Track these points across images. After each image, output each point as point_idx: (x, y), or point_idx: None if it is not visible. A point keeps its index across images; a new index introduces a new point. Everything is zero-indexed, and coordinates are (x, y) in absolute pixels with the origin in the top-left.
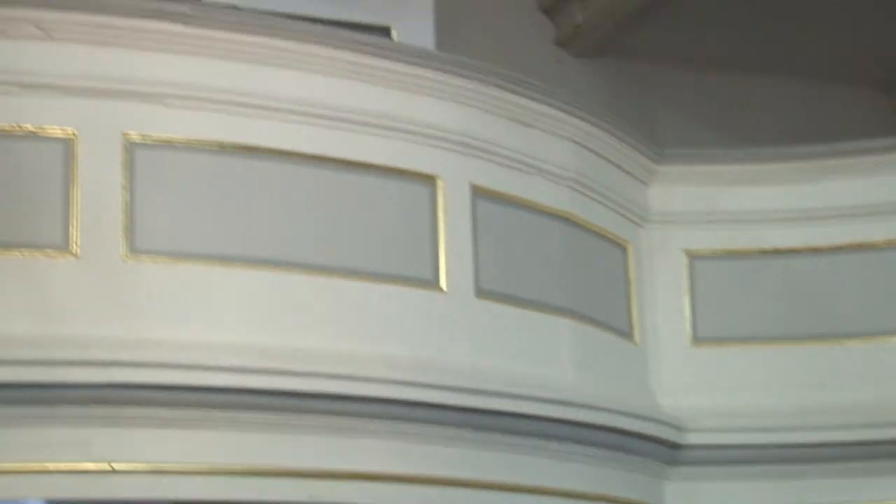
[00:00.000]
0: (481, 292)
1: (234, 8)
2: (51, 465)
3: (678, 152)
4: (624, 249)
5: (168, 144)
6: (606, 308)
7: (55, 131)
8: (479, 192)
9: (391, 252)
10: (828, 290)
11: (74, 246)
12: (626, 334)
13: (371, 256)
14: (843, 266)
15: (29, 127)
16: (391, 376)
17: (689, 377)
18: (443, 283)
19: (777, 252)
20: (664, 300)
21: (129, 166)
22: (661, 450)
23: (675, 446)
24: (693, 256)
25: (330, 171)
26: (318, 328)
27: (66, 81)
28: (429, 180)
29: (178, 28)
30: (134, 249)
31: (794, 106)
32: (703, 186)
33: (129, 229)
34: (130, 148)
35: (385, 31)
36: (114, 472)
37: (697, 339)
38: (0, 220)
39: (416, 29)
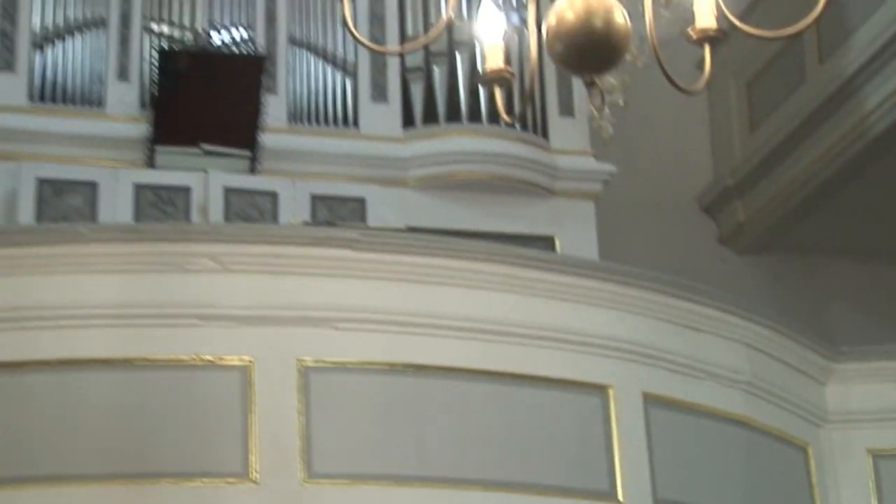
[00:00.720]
0: (660, 502)
1: (401, 230)
2: None
3: (854, 349)
4: (804, 451)
5: (341, 367)
6: None
7: (233, 360)
8: (651, 400)
9: (567, 464)
10: None
11: (254, 472)
12: None
13: (547, 470)
14: None
15: (208, 357)
16: None
17: None
18: (620, 494)
19: None
20: (850, 497)
21: (305, 390)
22: None
23: None
24: (878, 456)
25: (500, 385)
26: None
27: (242, 311)
28: (601, 390)
29: (346, 253)
30: (312, 474)
31: None
32: (883, 383)
33: (307, 453)
34: (305, 372)
35: (548, 241)
36: None
37: None
38: (181, 450)
39: (580, 237)
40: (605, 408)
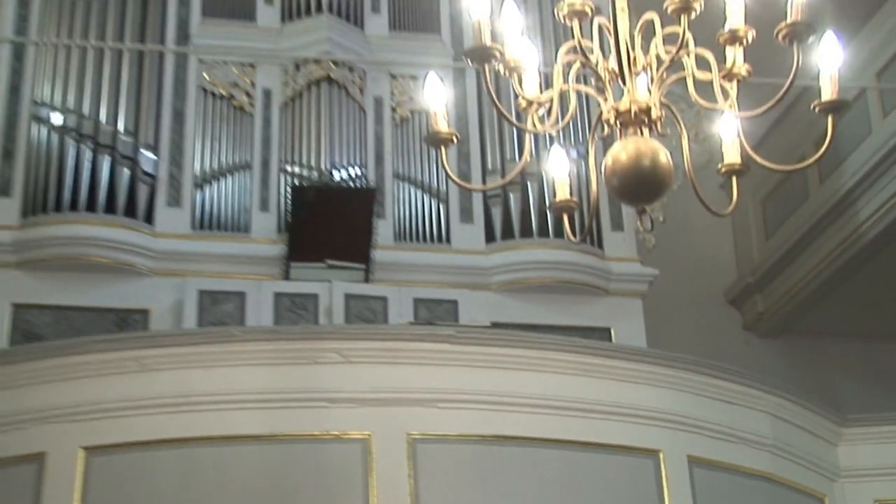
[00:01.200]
0: None
1: (486, 326)
2: None
3: (859, 416)
4: (822, 502)
5: (442, 439)
6: None
7: (355, 434)
8: (694, 461)
9: None
10: None
11: None
12: None
13: None
14: None
15: (335, 432)
16: None
17: None
18: None
19: None
20: None
21: (413, 458)
22: None
23: None
24: None
25: (570, 451)
26: None
27: (361, 395)
28: (653, 454)
29: (444, 346)
30: None
31: None
32: (886, 444)
33: None
34: (413, 443)
35: (605, 332)
36: None
37: None
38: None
39: (631, 328)
40: (657, 468)
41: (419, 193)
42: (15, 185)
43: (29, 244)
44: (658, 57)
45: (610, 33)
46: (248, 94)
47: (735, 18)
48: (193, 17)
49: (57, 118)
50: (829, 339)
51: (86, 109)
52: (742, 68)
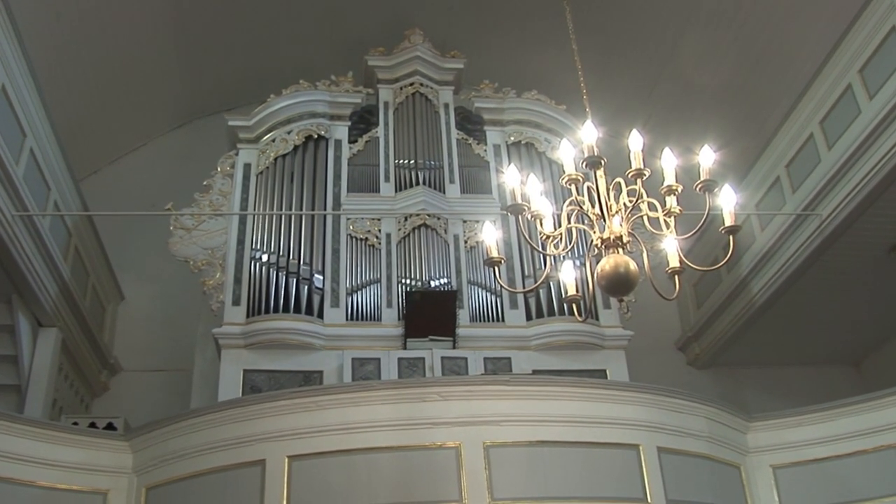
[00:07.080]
0: (670, 501)
1: (528, 373)
2: None
3: (758, 414)
4: (738, 469)
5: (504, 445)
6: (733, 499)
7: (451, 444)
8: (662, 450)
9: (620, 483)
10: (852, 476)
11: (465, 499)
12: None
13: (609, 486)
14: (864, 461)
15: (438, 443)
16: None
17: None
18: (649, 498)
19: (818, 460)
20: (764, 492)
21: (487, 458)
22: None
23: None
24: (775, 468)
25: (584, 448)
26: None
27: (454, 419)
28: (635, 447)
29: (503, 387)
30: (493, 498)
31: (819, 379)
32: (774, 430)
33: (490, 488)
34: (487, 448)
35: (603, 373)
36: None
37: None
38: (429, 490)
39: (618, 369)
40: (639, 455)
41: (484, 292)
42: (242, 298)
43: (251, 334)
44: (625, 205)
45: (594, 192)
46: (376, 237)
47: (670, 179)
48: (342, 192)
49: (265, 257)
50: (739, 367)
51: (282, 251)
52: (676, 209)
